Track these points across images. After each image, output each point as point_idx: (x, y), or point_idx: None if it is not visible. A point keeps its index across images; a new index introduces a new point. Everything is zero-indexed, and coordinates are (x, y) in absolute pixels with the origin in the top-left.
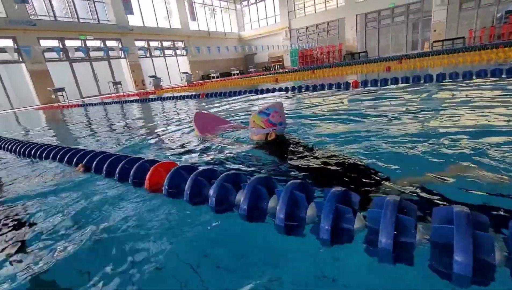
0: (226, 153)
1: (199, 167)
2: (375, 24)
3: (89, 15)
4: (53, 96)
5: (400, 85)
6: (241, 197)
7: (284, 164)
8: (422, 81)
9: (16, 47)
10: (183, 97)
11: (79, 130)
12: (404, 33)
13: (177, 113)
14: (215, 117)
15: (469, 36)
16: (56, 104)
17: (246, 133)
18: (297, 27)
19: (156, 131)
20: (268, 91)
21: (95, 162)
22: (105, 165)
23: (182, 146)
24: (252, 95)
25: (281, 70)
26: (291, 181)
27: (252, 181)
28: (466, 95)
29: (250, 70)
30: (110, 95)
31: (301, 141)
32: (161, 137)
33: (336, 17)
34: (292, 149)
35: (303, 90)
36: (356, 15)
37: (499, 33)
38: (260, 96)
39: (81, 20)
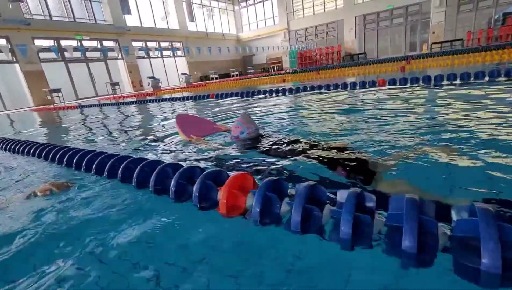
0: (218, 153)
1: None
2: (373, 25)
3: (85, 15)
4: (48, 97)
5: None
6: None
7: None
8: (458, 80)
9: (10, 47)
10: (191, 98)
11: (81, 133)
12: (403, 35)
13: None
14: (198, 119)
15: (467, 38)
16: (52, 106)
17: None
18: (295, 29)
19: (160, 134)
20: (292, 91)
21: (136, 174)
22: (152, 180)
23: (174, 148)
24: (269, 96)
25: (281, 71)
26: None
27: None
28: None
29: (249, 71)
30: (108, 96)
31: (291, 138)
32: (159, 141)
33: (334, 19)
34: (274, 146)
35: (323, 89)
36: (355, 17)
37: (497, 35)
38: (281, 96)
39: (77, 20)
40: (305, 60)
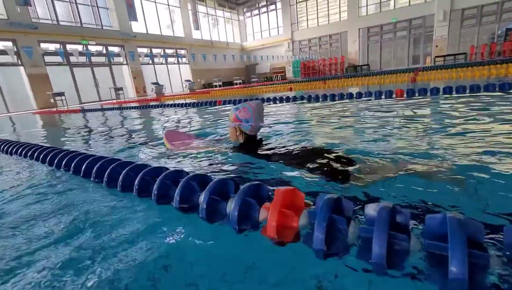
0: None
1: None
2: (377, 38)
3: (92, 20)
4: (51, 100)
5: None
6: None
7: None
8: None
9: (16, 49)
10: (196, 104)
11: (77, 136)
12: (406, 48)
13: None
14: (187, 136)
15: (470, 52)
16: (54, 109)
17: (220, 149)
18: (299, 39)
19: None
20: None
21: (157, 189)
22: (178, 195)
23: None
24: (279, 103)
25: (285, 80)
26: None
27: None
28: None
29: (252, 80)
30: (111, 101)
31: (281, 145)
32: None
33: (338, 31)
34: (266, 152)
35: (337, 99)
36: (359, 29)
37: (500, 50)
38: (291, 104)
39: (84, 25)
40: (308, 70)
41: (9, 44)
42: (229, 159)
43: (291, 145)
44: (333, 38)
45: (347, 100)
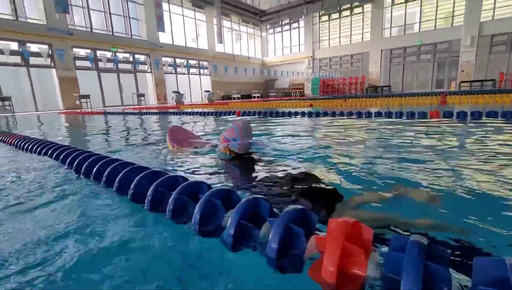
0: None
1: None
2: (400, 60)
3: (123, 30)
4: (77, 102)
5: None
6: None
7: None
8: None
9: (50, 53)
10: (215, 114)
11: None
12: (430, 71)
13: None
14: (188, 132)
15: (500, 79)
16: (79, 110)
17: (215, 148)
18: (320, 57)
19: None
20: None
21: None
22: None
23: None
24: (308, 117)
25: (303, 97)
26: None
27: None
28: None
29: (271, 94)
30: (133, 106)
31: (272, 160)
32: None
33: (360, 51)
34: (256, 167)
35: (363, 116)
36: (381, 50)
37: None
38: (311, 119)
39: (115, 34)
40: (327, 88)
41: (45, 47)
42: (221, 170)
43: (284, 164)
44: (355, 58)
45: (372, 119)
